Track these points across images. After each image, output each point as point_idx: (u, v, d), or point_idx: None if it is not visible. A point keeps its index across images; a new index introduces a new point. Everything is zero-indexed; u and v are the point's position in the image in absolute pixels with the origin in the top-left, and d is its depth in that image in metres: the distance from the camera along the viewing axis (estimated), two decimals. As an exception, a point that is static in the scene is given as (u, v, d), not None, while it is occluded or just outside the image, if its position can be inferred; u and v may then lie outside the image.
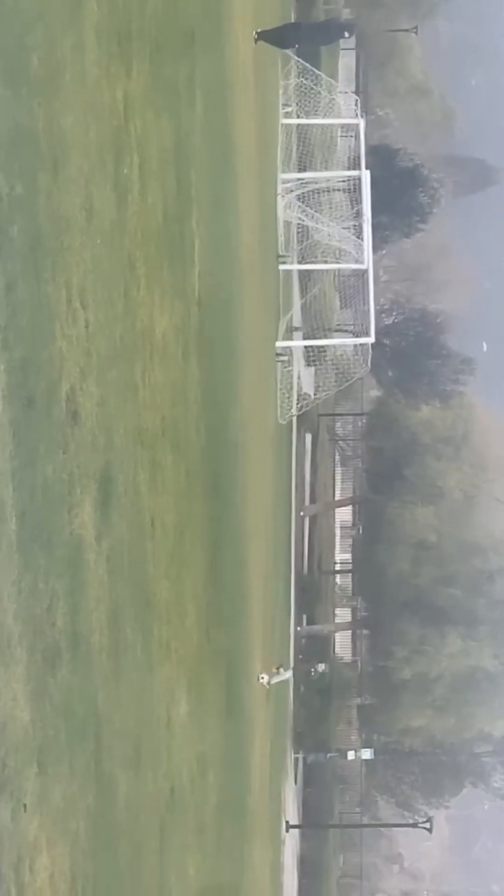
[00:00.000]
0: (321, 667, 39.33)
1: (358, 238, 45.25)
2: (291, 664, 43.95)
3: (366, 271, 45.84)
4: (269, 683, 35.11)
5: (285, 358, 44.83)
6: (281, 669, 38.65)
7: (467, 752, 69.41)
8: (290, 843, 50.95)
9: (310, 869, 59.06)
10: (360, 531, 69.45)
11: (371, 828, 77.84)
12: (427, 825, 56.64)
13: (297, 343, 48.62)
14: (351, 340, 49.29)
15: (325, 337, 52.11)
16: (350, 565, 73.13)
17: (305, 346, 50.04)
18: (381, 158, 70.10)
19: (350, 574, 73.18)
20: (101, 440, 14.17)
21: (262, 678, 35.47)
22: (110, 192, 14.93)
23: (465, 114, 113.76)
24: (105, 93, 14.91)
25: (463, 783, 72.37)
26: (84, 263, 13.55)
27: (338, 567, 75.44)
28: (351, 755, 58.33)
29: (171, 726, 18.62)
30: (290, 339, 47.42)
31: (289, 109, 47.25)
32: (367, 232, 45.29)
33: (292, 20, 57.99)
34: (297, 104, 47.35)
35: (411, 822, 64.41)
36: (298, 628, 58.25)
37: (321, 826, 60.88)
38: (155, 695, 17.44)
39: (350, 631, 72.06)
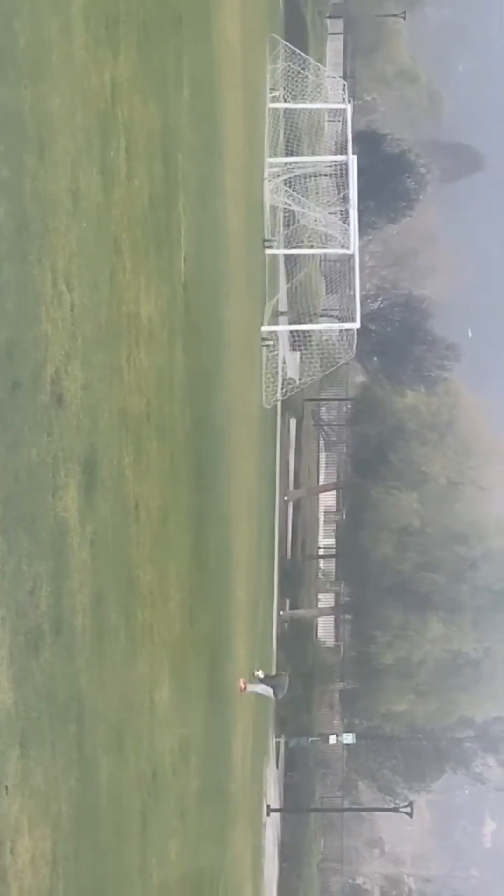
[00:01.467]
0: (261, 673, 38.98)
1: (344, 223, 45.22)
2: (274, 669, 43.94)
3: (352, 256, 45.83)
4: (245, 689, 35.01)
5: (271, 342, 44.82)
6: (260, 673, 38.56)
7: (448, 737, 69.62)
8: (272, 827, 51.06)
9: (291, 853, 59.22)
10: (344, 516, 69.50)
11: (352, 812, 78.05)
12: (408, 809, 56.76)
13: (283, 328, 48.61)
14: (336, 326, 49.32)
15: (311, 322, 52.14)
16: (333, 550, 73.20)
17: (291, 331, 50.07)
18: (368, 144, 70.00)
19: (333, 559, 73.25)
20: (85, 424, 14.16)
21: (258, 674, 35.67)
22: (97, 175, 14.90)
23: (452, 99, 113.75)
24: (92, 76, 14.88)
25: (444, 768, 72.59)
26: (70, 246, 13.53)
27: (321, 552, 75.52)
28: (333, 739, 58.45)
29: (153, 710, 18.64)
30: (276, 323, 47.39)
31: (276, 94, 47.18)
32: (354, 217, 45.26)
33: (280, 6, 57.88)
34: (284, 88, 47.28)
35: (392, 806, 64.60)
36: (281, 613, 58.32)
37: (302, 810, 61.03)
38: (138, 678, 17.45)
39: (333, 616, 72.16)
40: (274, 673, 39.07)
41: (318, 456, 77.73)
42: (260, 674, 37.87)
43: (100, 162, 15.08)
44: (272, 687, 37.10)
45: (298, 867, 60.87)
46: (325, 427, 78.19)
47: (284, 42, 48.29)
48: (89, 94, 14.73)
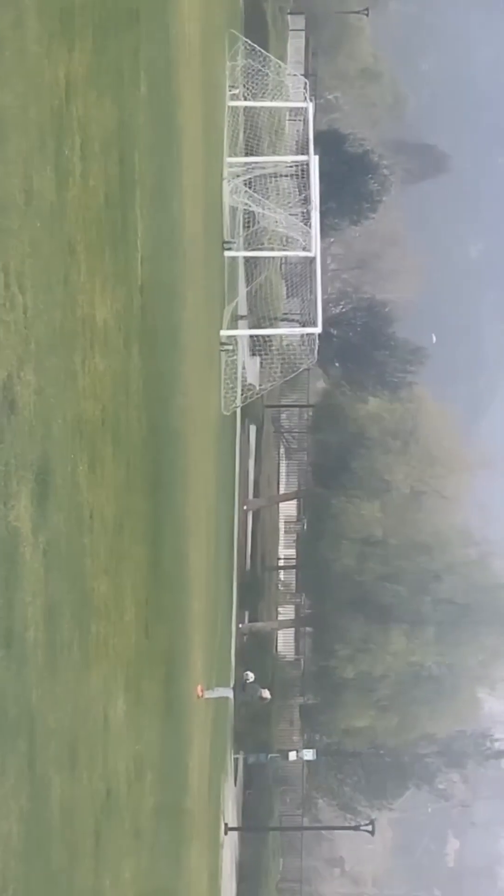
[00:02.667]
0: (251, 676, 39.43)
1: (305, 225, 45.33)
2: (232, 681, 44.10)
3: (313, 259, 45.94)
4: (202, 695, 35.19)
5: (230, 347, 44.85)
6: (250, 675, 38.97)
7: (411, 753, 69.81)
8: (229, 847, 51.03)
9: (249, 873, 59.21)
10: (305, 526, 69.66)
11: (312, 830, 78.12)
12: (369, 828, 56.89)
13: (243, 332, 48.65)
14: (297, 330, 49.40)
15: (271, 326, 52.26)
16: (294, 561, 73.35)
17: (251, 336, 50.12)
18: (330, 143, 70.24)
19: (294, 570, 73.39)
20: (38, 430, 14.11)
21: (249, 675, 36.15)
22: (50, 173, 14.87)
23: (416, 99, 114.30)
24: (46, 71, 14.84)
25: (406, 785, 72.77)
26: (22, 247, 13.48)
27: (281, 563, 75.64)
28: (292, 756, 58.50)
29: (107, 726, 18.59)
30: (235, 328, 47.44)
31: (236, 91, 47.26)
32: (315, 219, 45.38)
33: (240, 2, 57.96)
34: (244, 86, 47.37)
35: (353, 824, 64.69)
36: (240, 625, 58.34)
37: (261, 829, 61.03)
38: (92, 693, 17.40)
39: (293, 628, 72.27)
40: (252, 679, 39.39)
41: (279, 464, 77.87)
42: (250, 676, 38.24)
43: (54, 160, 15.05)
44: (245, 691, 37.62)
45: (257, 888, 60.86)
46: (285, 434, 78.35)
47: (244, 39, 48.40)
48: (43, 89, 14.70)
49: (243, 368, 49.78)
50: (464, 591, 58.49)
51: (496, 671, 61.64)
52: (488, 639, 59.06)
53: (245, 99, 47.54)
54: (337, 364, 77.14)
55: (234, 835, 52.59)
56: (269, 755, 58.28)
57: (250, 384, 51.94)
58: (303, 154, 48.48)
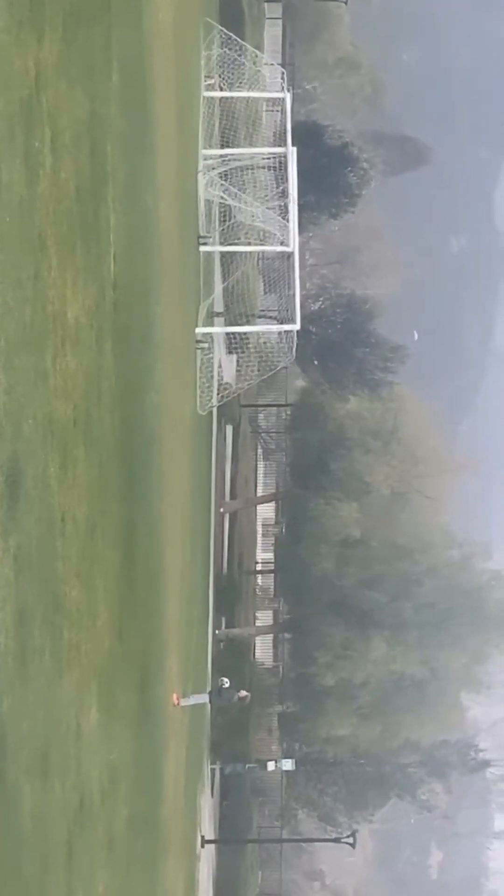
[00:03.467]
0: (226, 681, 39.60)
1: (283, 219, 45.38)
2: (208, 687, 44.18)
3: (291, 254, 45.99)
4: (178, 703, 35.32)
5: (206, 345, 44.87)
6: (225, 681, 39.17)
7: (393, 762, 69.88)
8: (206, 859, 51.04)
9: (226, 886, 59.19)
10: (283, 529, 69.65)
11: (291, 843, 78.14)
12: (350, 840, 56.93)
13: (219, 329, 48.66)
14: (275, 327, 49.44)
15: (248, 323, 52.24)
16: (272, 565, 73.34)
17: (227, 333, 50.08)
18: (309, 135, 70.29)
19: (272, 574, 73.38)
20: (8, 430, 14.13)
21: (224, 681, 36.43)
22: (20, 166, 14.89)
23: (396, 89, 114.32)
24: (15, 61, 14.86)
25: (388, 795, 72.86)
26: (-8, 242, 13.50)
27: (259, 567, 75.64)
28: (271, 766, 58.48)
29: (80, 734, 18.61)
30: (211, 325, 47.45)
31: (211, 81, 47.28)
32: (293, 212, 45.43)
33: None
34: (220, 76, 47.39)
35: (334, 836, 64.73)
36: (217, 631, 58.33)
37: (239, 841, 61.03)
38: (64, 701, 17.42)
39: (271, 634, 72.26)
40: (228, 685, 39.59)
41: (256, 465, 77.90)
42: (226, 682, 38.39)
43: (23, 152, 15.06)
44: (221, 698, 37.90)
45: (234, 901, 60.88)
46: (263, 434, 78.36)
47: (220, 27, 48.40)
48: (12, 79, 14.72)
49: (219, 367, 49.81)
50: (446, 593, 58.59)
51: (480, 675, 61.78)
52: (471, 642, 59.18)
53: (221, 89, 47.57)
54: (316, 362, 77.22)
55: (210, 847, 52.58)
56: (247, 765, 58.27)
57: (227, 383, 51.96)
58: (280, 146, 48.54)
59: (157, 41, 31.89)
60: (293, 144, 47.30)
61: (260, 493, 76.61)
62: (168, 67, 34.90)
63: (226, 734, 56.11)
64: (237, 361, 52.52)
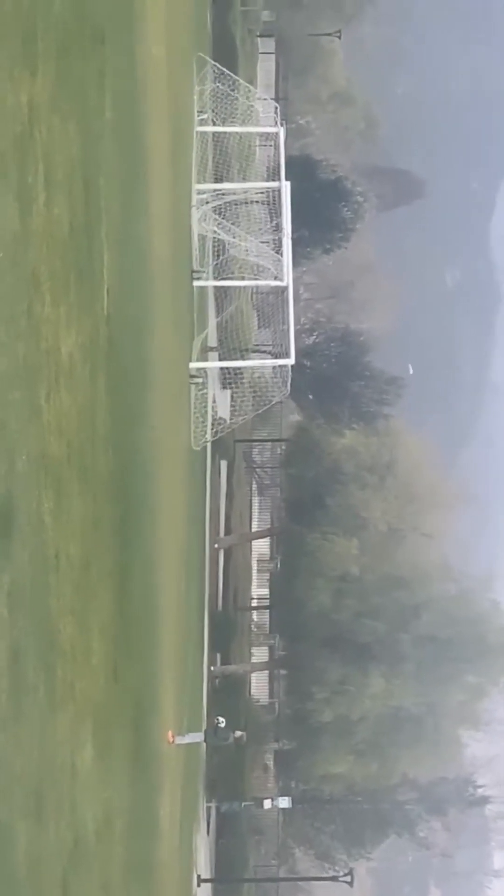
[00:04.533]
0: (222, 721, 39.53)
1: (277, 253, 45.49)
2: (204, 725, 44.09)
3: (285, 289, 46.08)
4: (173, 741, 35.25)
5: (200, 380, 44.92)
6: (221, 721, 39.16)
7: (390, 799, 69.64)
8: (202, 899, 50.81)
9: (223, 926, 58.92)
10: (279, 565, 69.58)
11: (288, 881, 77.74)
12: (348, 878, 56.64)
13: (213, 364, 48.74)
14: (269, 362, 49.53)
15: (242, 358, 52.33)
16: (267, 601, 73.23)
17: (221, 368, 50.20)
18: (302, 169, 70.59)
19: (267, 610, 73.27)
20: (2, 466, 14.14)
21: (220, 721, 36.51)
22: (13, 201, 14.94)
23: (389, 123, 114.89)
24: (8, 96, 14.93)
25: (386, 833, 72.56)
26: (-15, 278, 13.54)
27: (254, 603, 75.52)
28: (267, 804, 58.24)
29: (75, 773, 18.54)
30: (205, 359, 47.52)
31: (204, 116, 47.47)
32: (287, 247, 45.54)
33: (208, 24, 58.34)
34: (213, 111, 47.59)
35: (331, 874, 64.45)
36: (212, 668, 58.20)
37: (235, 880, 60.75)
38: (58, 739, 17.37)
39: (267, 671, 72.10)
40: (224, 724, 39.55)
41: (251, 500, 77.85)
42: (222, 721, 38.31)
43: (16, 187, 15.12)
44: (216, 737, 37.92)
45: (231, 941, 60.58)
46: (257, 470, 78.36)
47: (213, 62, 48.64)
48: (5, 115, 14.78)
49: (213, 402, 49.87)
50: (444, 627, 58.42)
51: (479, 710, 61.59)
52: (470, 676, 59.03)
53: (214, 124, 47.76)
54: (311, 396, 77.32)
55: (207, 886, 52.33)
56: (243, 803, 58.04)
57: (221, 418, 52.00)
58: (274, 180, 48.70)
59: (151, 76, 32.04)
60: (287, 179, 47.46)
61: (255, 528, 76.56)
62: (161, 102, 35.06)
63: (222, 772, 55.93)
64: (231, 396, 52.59)
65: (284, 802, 58.64)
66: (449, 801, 72.61)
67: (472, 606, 60.16)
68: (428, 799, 71.02)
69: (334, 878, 61.23)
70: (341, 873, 60.84)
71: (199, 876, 47.84)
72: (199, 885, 47.92)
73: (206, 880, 51.04)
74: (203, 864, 51.04)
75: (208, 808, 55.31)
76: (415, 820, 71.87)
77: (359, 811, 69.96)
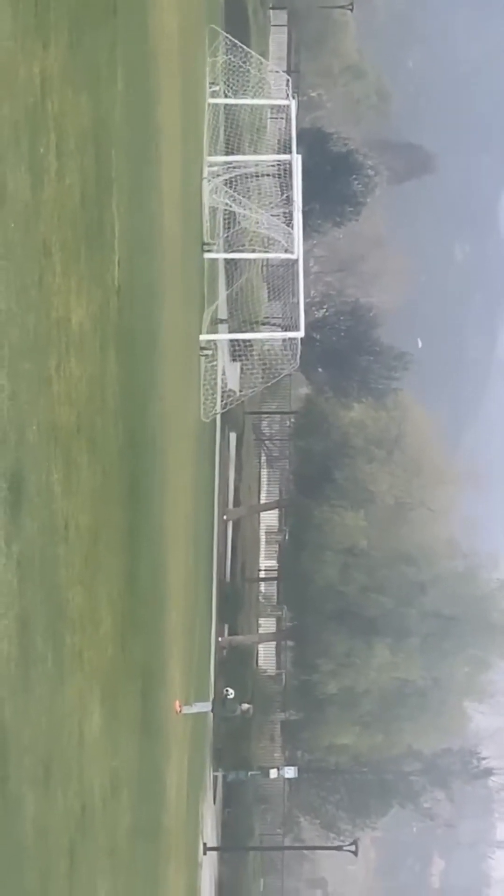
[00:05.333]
0: (231, 692, 39.72)
1: (288, 226, 45.39)
2: (211, 696, 44.19)
3: (295, 261, 45.99)
4: (180, 711, 35.35)
5: (209, 352, 44.87)
6: (230, 692, 39.34)
7: (395, 770, 69.84)
8: (208, 866, 50.98)
9: (228, 893, 59.15)
10: (286, 537, 69.68)
11: (293, 850, 78.05)
12: (352, 848, 56.81)
13: (223, 337, 48.67)
14: (279, 335, 49.48)
15: (252, 330, 52.23)
16: (275, 572, 73.37)
17: (231, 340, 50.13)
18: (313, 142, 70.34)
19: (275, 582, 73.40)
20: (11, 437, 14.11)
21: (229, 692, 36.68)
22: (25, 172, 14.88)
23: (401, 96, 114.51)
24: (20, 67, 14.86)
25: (390, 803, 72.78)
26: (-4, 248, 13.50)
27: (262, 574, 75.65)
28: (273, 773, 58.43)
29: (83, 741, 18.58)
30: (215, 332, 47.45)
31: (216, 88, 47.30)
32: (298, 220, 45.44)
33: (221, 3, 58.10)
34: (224, 83, 47.41)
35: (336, 844, 64.68)
36: (220, 639, 58.31)
37: (241, 848, 60.99)
38: (66, 708, 17.39)
39: (274, 642, 72.26)
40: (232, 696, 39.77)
41: (260, 472, 77.89)
42: (230, 692, 38.46)
43: (28, 158, 15.05)
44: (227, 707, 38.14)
45: (236, 909, 60.83)
46: (266, 442, 78.36)
47: (225, 34, 48.44)
48: (17, 86, 14.71)
49: (223, 374, 49.80)
50: (450, 603, 58.54)
51: (483, 683, 61.71)
52: (475, 651, 59.14)
53: (226, 96, 47.59)
54: (320, 370, 77.14)
55: (213, 854, 52.51)
56: (250, 773, 58.23)
57: (230, 390, 51.94)
58: (285, 153, 48.55)
59: (163, 48, 31.90)
60: (298, 152, 47.31)
61: (263, 500, 76.62)
62: (173, 74, 34.92)
63: (228, 741, 56.09)
64: (241, 369, 52.54)
65: (290, 772, 58.83)
66: (453, 773, 72.85)
67: (479, 584, 60.23)
68: (432, 770, 71.24)
69: (339, 848, 61.36)
70: (346, 843, 61.01)
71: (205, 844, 48.01)
72: (205, 854, 48.10)
73: (211, 848, 51.22)
74: (209, 832, 51.22)
75: (215, 777, 55.48)
76: (419, 791, 72.13)
77: (364, 782, 70.19)
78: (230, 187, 46.12)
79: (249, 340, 49.30)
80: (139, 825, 25.69)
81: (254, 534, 73.93)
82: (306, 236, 54.56)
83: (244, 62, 47.40)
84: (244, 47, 48.36)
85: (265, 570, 76.26)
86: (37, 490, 15.36)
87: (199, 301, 44.37)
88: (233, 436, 64.77)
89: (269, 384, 50.82)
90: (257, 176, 48.19)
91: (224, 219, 47.40)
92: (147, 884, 28.13)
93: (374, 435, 63.45)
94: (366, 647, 57.71)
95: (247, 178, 47.42)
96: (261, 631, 71.68)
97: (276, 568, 73.80)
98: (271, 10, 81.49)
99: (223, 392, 49.40)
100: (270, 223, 45.55)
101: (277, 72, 53.99)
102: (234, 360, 52.77)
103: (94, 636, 19.48)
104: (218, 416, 50.93)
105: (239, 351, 50.12)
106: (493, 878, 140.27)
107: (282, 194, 46.65)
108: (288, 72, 66.22)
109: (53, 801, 16.55)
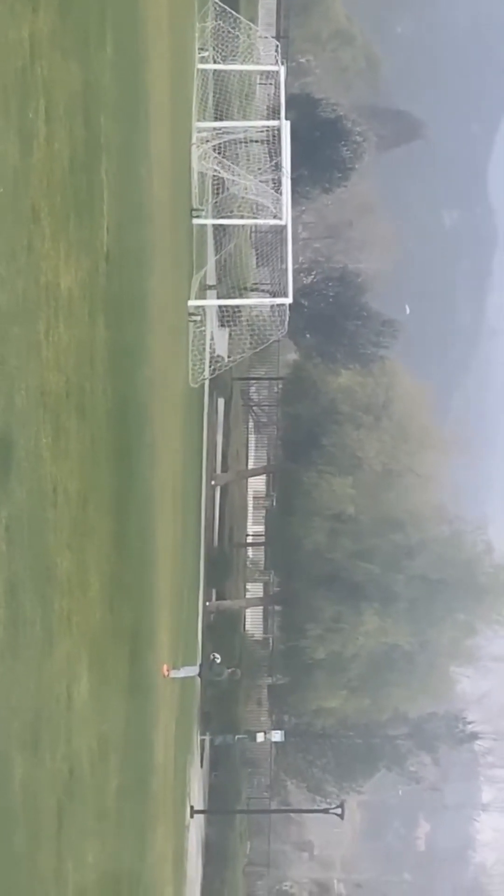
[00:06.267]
0: (217, 657, 39.88)
1: (276, 192, 45.26)
2: (199, 660, 44.29)
3: (284, 228, 45.88)
4: (168, 674, 35.44)
5: (198, 318, 44.79)
6: (217, 657, 39.51)
7: (382, 734, 70.09)
8: (195, 829, 51.20)
9: (215, 856, 59.41)
10: (274, 502, 69.73)
11: (280, 813, 78.41)
12: (338, 811, 57.06)
13: (211, 302, 48.58)
14: (267, 301, 49.38)
15: (241, 296, 52.13)
16: (263, 538, 73.43)
17: (219, 306, 50.03)
18: (302, 108, 70.05)
19: (262, 547, 73.47)
20: (0, 402, 14.10)
21: (216, 657, 36.80)
22: (14, 137, 14.82)
23: (390, 63, 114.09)
24: (9, 31, 14.78)
25: (377, 767, 73.09)
26: (-15, 213, 13.45)
27: (250, 539, 75.70)
28: (260, 737, 58.65)
29: (71, 705, 18.62)
30: (204, 298, 47.36)
31: (205, 54, 47.08)
32: (286, 186, 45.31)
33: None
34: (214, 48, 47.18)
35: (322, 807, 64.94)
36: (207, 603, 58.41)
37: (227, 811, 61.24)
38: (55, 671, 17.43)
39: (262, 606, 72.39)
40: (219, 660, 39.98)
41: (248, 438, 77.87)
42: (217, 657, 38.62)
43: (17, 123, 15.00)
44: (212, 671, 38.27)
45: (223, 871, 61.09)
46: (254, 408, 78.31)
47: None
48: (6, 50, 14.64)
49: (212, 339, 49.73)
50: (437, 568, 58.65)
51: (469, 648, 61.93)
52: (461, 615, 59.34)
53: (215, 62, 47.37)
54: (308, 336, 77.01)
55: (200, 817, 52.74)
56: (237, 736, 58.41)
57: (219, 356, 51.86)
58: (274, 119, 48.37)
59: (152, 13, 31.74)
60: (287, 118, 47.13)
61: (251, 466, 76.63)
62: (162, 39, 34.75)
63: (216, 705, 56.25)
64: (230, 334, 52.48)
65: (277, 736, 59.07)
66: (439, 737, 73.11)
67: (465, 548, 60.35)
68: (418, 734, 71.50)
69: (325, 811, 61.66)
70: (332, 806, 61.28)
71: (192, 807, 48.19)
72: (192, 817, 48.29)
73: (199, 811, 51.43)
74: (196, 795, 51.42)
75: (202, 741, 55.66)
76: (405, 754, 72.38)
77: (350, 745, 70.44)
78: (219, 153, 45.96)
79: (238, 306, 49.23)
80: (127, 788, 25.78)
81: (241, 499, 73.97)
82: (295, 202, 54.39)
83: (233, 28, 47.18)
84: (233, 13, 48.11)
85: (253, 536, 76.33)
86: (25, 455, 15.36)
87: (188, 267, 44.27)
88: (221, 401, 64.72)
89: (257, 350, 50.75)
90: (246, 142, 48.03)
91: (213, 185, 47.24)
92: (135, 846, 28.25)
93: (362, 401, 63.44)
94: (353, 611, 57.84)
95: (236, 143, 47.25)
96: (248, 596, 71.79)
97: (263, 533, 73.86)
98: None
99: (211, 358, 49.33)
100: (259, 189, 45.42)
101: (266, 37, 53.70)
102: (222, 325, 52.70)
103: (82, 600, 19.52)
104: (206, 382, 50.89)
105: (227, 317, 50.05)
106: (478, 840, 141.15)
107: (270, 160, 46.49)
108: (277, 37, 65.88)
109: (42, 763, 16.61)
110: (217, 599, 62.31)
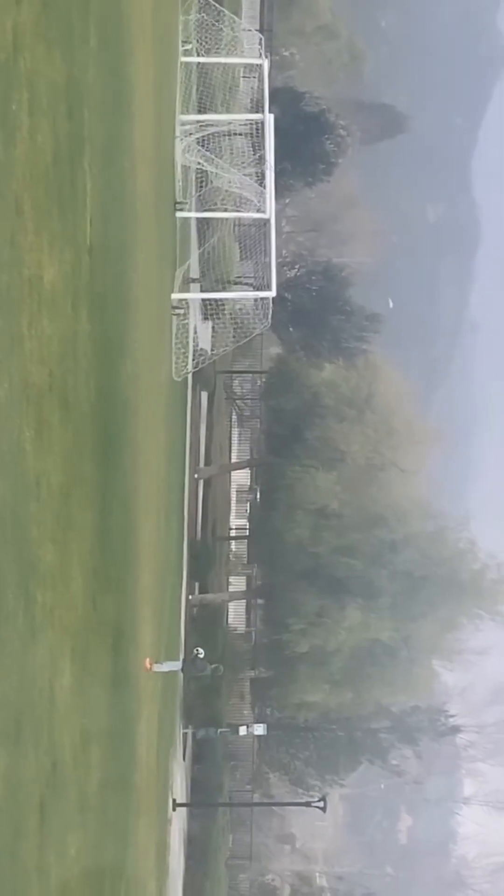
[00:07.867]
0: (201, 652, 39.89)
1: (260, 185, 45.26)
2: (182, 654, 44.32)
3: (267, 221, 45.88)
4: (150, 668, 35.45)
5: (181, 311, 44.78)
6: (200, 651, 39.52)
7: (364, 727, 70.20)
8: (178, 822, 51.23)
9: (197, 849, 59.47)
10: (257, 496, 69.74)
11: (262, 806, 78.48)
12: (321, 804, 57.12)
13: (194, 296, 48.56)
14: (251, 294, 49.36)
15: (224, 290, 52.15)
16: (246, 531, 73.46)
17: (203, 300, 50.02)
18: (286, 102, 70.08)
19: (246, 541, 73.50)
20: (-17, 394, 14.09)
21: (199, 651, 36.78)
22: (-3, 129, 14.79)
23: (374, 57, 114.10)
24: (-7, 23, 14.75)
25: (359, 760, 73.23)
26: (-32, 205, 13.43)
27: (233, 533, 75.78)
28: (243, 730, 58.68)
29: (53, 698, 18.61)
30: (187, 291, 47.34)
31: (189, 47, 47.05)
32: (270, 179, 45.30)
33: None
34: (197, 41, 47.16)
35: (304, 800, 64.96)
36: (190, 597, 58.42)
37: (210, 804, 61.27)
38: (37, 665, 17.42)
39: (244, 600, 72.44)
40: (203, 655, 40.02)
41: (231, 432, 77.92)
42: (201, 652, 38.63)
43: (0, 116, 14.97)
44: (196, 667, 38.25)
45: (205, 864, 61.16)
46: (237, 401, 78.36)
47: (198, -8, 48.15)
48: (-10, 42, 14.61)
49: (195, 333, 49.78)
50: (420, 563, 58.69)
51: (451, 642, 62.02)
52: (444, 611, 59.39)
53: (198, 54, 47.35)
54: (291, 329, 77.11)
55: (182, 810, 52.75)
56: (219, 730, 58.42)
57: (202, 349, 51.89)
58: (257, 112, 48.36)
59: (136, 5, 31.70)
60: (270, 111, 47.13)
61: (234, 459, 76.66)
62: (146, 32, 34.71)
63: (198, 699, 56.27)
64: (213, 328, 52.48)
65: (260, 729, 59.07)
66: (421, 730, 73.26)
67: (448, 544, 60.41)
68: (401, 727, 71.63)
69: (308, 804, 61.67)
70: (315, 799, 61.34)
71: (174, 800, 48.22)
72: (174, 810, 48.32)
73: (181, 805, 51.45)
74: (179, 788, 51.45)
75: (185, 734, 55.69)
76: (387, 748, 72.52)
77: (333, 739, 70.55)
78: (203, 146, 45.94)
79: (221, 300, 49.23)
80: (109, 781, 25.78)
81: (225, 493, 74.01)
82: (278, 196, 54.48)
83: (217, 20, 47.15)
84: (217, 5, 48.09)
85: (236, 529, 76.39)
86: (9, 448, 15.34)
87: (172, 260, 44.24)
88: (204, 395, 64.74)
89: (240, 343, 50.80)
90: (230, 135, 48.02)
91: (196, 178, 47.23)
92: (117, 839, 28.25)
93: (345, 395, 63.44)
94: (336, 605, 57.87)
95: (219, 136, 47.24)
96: (231, 589, 71.82)
97: (246, 527, 73.88)
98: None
99: (195, 351, 49.38)
100: (243, 182, 45.41)
101: (250, 30, 53.68)
102: (205, 319, 52.72)
103: (65, 594, 19.50)
104: (189, 375, 50.91)
105: (211, 310, 50.05)
106: (460, 833, 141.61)
107: (254, 153, 46.50)
108: (261, 30, 65.86)
109: (24, 757, 16.59)
110: (200, 593, 62.33)
